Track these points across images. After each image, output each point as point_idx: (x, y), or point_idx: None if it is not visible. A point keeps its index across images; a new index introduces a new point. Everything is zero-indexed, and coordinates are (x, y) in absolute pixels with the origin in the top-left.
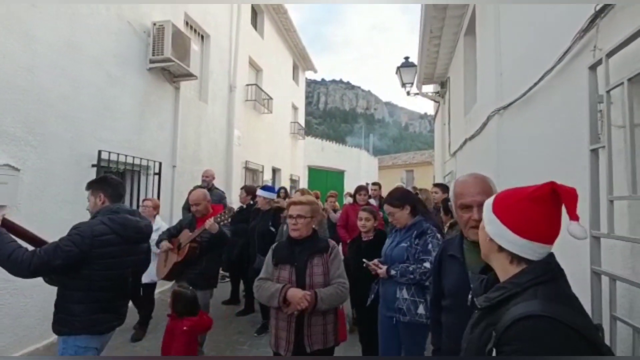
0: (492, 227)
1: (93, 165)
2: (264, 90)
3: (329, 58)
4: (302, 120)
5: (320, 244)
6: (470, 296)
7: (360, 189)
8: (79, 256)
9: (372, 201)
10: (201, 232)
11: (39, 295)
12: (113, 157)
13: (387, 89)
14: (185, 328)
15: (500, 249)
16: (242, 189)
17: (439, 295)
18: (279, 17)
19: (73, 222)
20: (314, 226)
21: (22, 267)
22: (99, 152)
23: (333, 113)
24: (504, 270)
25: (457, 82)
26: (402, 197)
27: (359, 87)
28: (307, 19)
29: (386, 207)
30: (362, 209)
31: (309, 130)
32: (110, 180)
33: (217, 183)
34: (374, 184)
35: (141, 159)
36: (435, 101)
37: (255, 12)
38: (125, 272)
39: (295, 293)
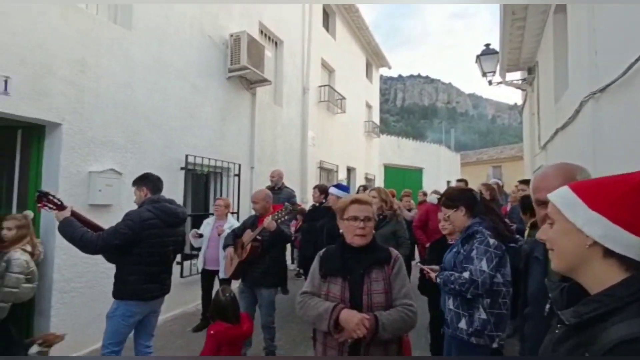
0: (598, 228)
1: (181, 168)
2: (337, 91)
3: (405, 53)
4: (376, 118)
5: (380, 253)
6: (548, 305)
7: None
8: (132, 237)
9: (432, 198)
10: (260, 231)
11: None
12: (198, 161)
13: (470, 80)
14: (211, 332)
15: (607, 254)
16: (315, 187)
17: (525, 302)
18: (350, 16)
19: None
20: (373, 231)
21: (91, 246)
22: (186, 157)
23: (411, 109)
24: (600, 282)
25: (546, 66)
26: (455, 197)
27: (438, 81)
28: (381, 15)
29: (442, 209)
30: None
31: (387, 128)
32: (151, 177)
33: (293, 183)
34: (459, 181)
35: (222, 161)
36: (522, 89)
37: (327, 14)
38: (168, 251)
39: (350, 317)
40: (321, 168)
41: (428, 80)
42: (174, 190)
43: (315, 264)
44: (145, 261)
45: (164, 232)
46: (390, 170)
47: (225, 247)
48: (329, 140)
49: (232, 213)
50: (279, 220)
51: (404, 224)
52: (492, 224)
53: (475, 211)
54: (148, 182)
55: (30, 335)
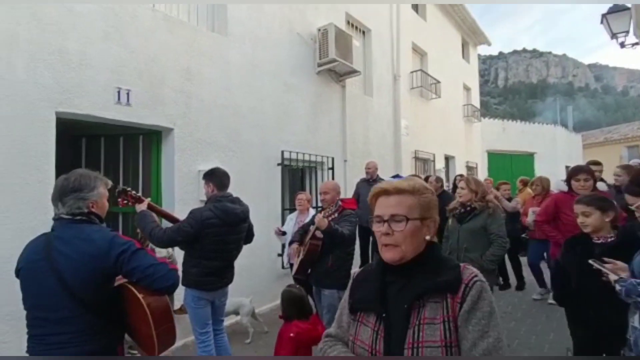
0: None
1: (278, 164)
2: (430, 75)
3: (506, 27)
4: (476, 101)
5: (442, 274)
6: None
7: (578, 171)
8: (194, 235)
9: (602, 186)
10: (316, 229)
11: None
12: (293, 156)
13: (590, 47)
14: (291, 335)
15: None
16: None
17: None
18: None
19: (268, 215)
20: (427, 237)
21: (157, 241)
22: (282, 152)
23: (516, 89)
24: None
25: None
26: None
27: (549, 53)
28: None
29: (627, 197)
30: (577, 201)
31: (488, 112)
32: (217, 172)
33: (387, 175)
34: (591, 163)
35: (316, 155)
36: None
37: None
38: (229, 247)
39: None
40: (416, 158)
41: (536, 54)
42: (272, 186)
43: (347, 289)
44: (206, 256)
45: (224, 230)
46: (495, 157)
47: (290, 243)
48: (423, 128)
49: None
50: (331, 217)
51: (499, 217)
52: None
53: None
54: (214, 178)
55: None
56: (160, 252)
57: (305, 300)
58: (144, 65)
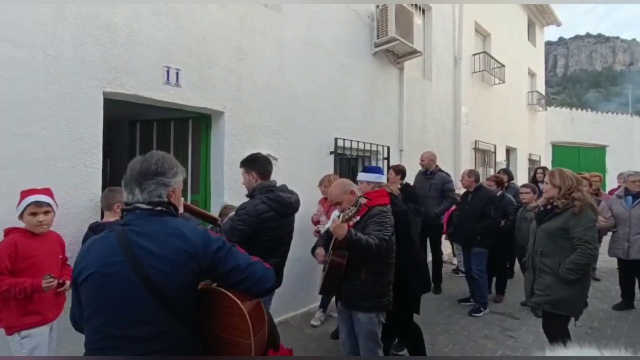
0: None
1: (330, 153)
2: (494, 58)
3: (567, 9)
4: (541, 88)
5: None
6: None
7: None
8: (250, 233)
9: None
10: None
11: (298, 268)
12: (347, 144)
13: None
14: None
15: None
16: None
17: None
18: None
19: (315, 205)
20: None
21: None
22: (335, 140)
23: (577, 78)
24: None
25: None
26: None
27: (616, 38)
28: None
29: None
30: None
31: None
32: (259, 159)
33: (445, 166)
34: None
35: (371, 144)
36: None
37: None
38: (284, 240)
39: None
40: (476, 149)
41: (601, 39)
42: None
43: None
44: (262, 254)
45: (279, 224)
46: (561, 150)
47: (313, 249)
48: (485, 116)
49: None
50: (351, 221)
51: (586, 219)
52: None
53: None
54: (256, 165)
55: None
56: None
57: (274, 327)
58: (194, 42)
